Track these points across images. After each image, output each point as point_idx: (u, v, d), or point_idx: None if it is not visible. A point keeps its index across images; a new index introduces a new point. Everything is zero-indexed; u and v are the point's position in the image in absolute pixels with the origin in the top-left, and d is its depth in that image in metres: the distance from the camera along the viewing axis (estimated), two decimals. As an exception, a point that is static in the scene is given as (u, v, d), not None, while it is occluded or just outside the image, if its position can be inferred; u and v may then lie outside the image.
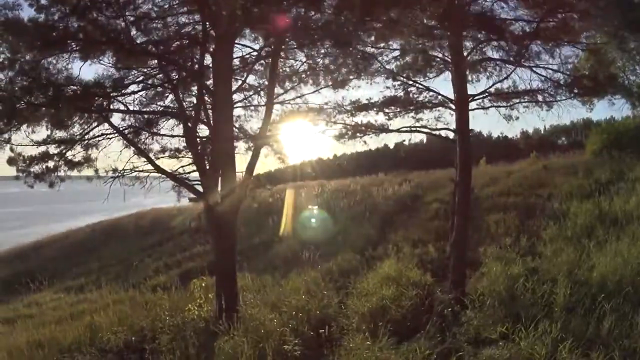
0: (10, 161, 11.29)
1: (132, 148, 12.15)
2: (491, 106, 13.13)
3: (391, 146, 62.69)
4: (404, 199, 22.27)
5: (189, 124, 11.78)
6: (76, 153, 11.91)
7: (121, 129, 11.98)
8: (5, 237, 43.22)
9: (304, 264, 15.03)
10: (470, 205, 12.54)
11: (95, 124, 11.92)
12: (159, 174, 12.03)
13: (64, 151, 11.71)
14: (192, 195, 12.61)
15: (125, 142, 12.08)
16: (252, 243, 21.13)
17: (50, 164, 11.55)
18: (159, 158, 12.62)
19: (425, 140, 57.26)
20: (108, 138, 12.04)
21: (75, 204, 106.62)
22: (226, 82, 11.18)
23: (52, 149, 11.58)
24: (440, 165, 26.43)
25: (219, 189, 11.11)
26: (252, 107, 14.04)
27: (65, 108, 10.71)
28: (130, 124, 12.51)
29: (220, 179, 11.11)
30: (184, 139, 12.20)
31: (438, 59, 13.05)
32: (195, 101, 12.51)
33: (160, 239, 27.60)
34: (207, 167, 11.53)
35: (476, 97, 12.60)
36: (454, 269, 11.38)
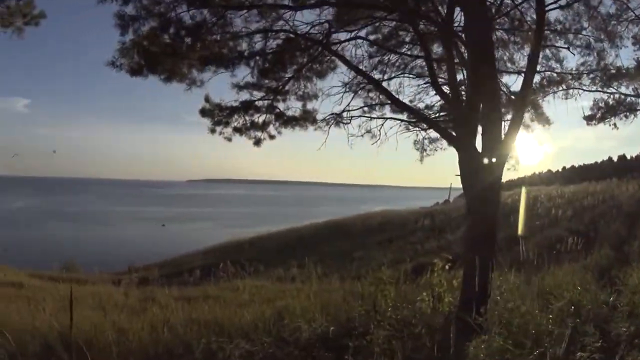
0: (204, 112, 9.46)
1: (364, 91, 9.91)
2: None
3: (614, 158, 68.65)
4: (647, 199, 22.99)
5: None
6: (290, 105, 9.80)
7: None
8: (228, 233, 45.23)
9: (553, 261, 12.25)
10: None
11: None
12: (397, 120, 9.89)
13: (273, 102, 9.59)
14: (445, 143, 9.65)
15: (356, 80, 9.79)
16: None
17: (257, 117, 9.60)
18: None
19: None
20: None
21: (301, 208, 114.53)
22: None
23: (258, 98, 9.58)
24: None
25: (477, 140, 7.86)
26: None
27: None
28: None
29: (481, 128, 7.77)
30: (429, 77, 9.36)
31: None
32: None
33: (389, 237, 27.17)
34: (463, 106, 8.30)
35: None
36: None
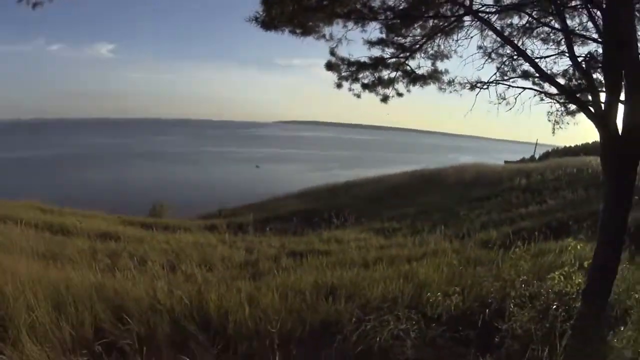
0: (330, 66, 9.19)
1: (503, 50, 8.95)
2: None
3: None
4: None
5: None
6: (420, 64, 9.29)
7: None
8: (322, 176, 45.60)
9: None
10: None
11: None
12: (535, 90, 8.70)
13: (402, 59, 9.21)
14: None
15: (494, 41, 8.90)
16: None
17: (385, 74, 9.29)
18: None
19: None
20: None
21: (396, 154, 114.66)
22: None
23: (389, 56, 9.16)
24: None
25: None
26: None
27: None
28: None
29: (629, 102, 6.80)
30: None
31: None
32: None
33: (486, 194, 25.90)
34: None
35: None
36: None
